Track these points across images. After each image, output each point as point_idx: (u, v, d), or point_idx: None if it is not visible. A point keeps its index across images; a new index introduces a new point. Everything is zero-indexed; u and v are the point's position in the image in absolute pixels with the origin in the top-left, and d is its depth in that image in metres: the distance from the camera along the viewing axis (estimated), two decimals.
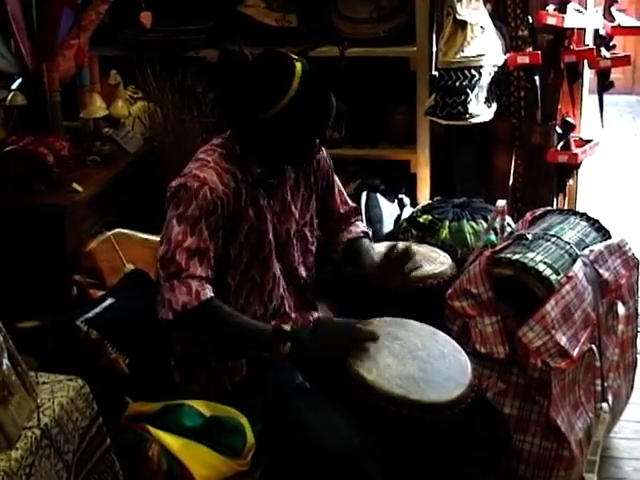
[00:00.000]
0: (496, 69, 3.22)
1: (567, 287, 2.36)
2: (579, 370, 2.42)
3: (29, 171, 2.71)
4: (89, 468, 1.68)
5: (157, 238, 2.14)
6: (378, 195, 3.27)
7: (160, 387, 2.17)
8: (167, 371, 2.23)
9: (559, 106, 3.38)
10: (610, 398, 2.53)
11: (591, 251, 2.53)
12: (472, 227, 3.01)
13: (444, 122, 3.20)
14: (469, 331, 2.40)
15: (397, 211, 3.32)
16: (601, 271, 2.52)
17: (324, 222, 2.43)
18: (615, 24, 3.23)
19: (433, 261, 2.74)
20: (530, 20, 3.25)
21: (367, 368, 2.01)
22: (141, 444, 1.85)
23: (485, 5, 3.19)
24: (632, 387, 2.79)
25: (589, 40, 3.30)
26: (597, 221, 2.74)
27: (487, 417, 2.18)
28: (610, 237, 2.69)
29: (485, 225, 2.94)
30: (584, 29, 3.28)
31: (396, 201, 3.35)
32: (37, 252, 2.64)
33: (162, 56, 3.22)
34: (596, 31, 3.28)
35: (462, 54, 3.09)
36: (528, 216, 2.83)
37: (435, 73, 3.22)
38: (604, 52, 3.26)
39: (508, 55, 3.24)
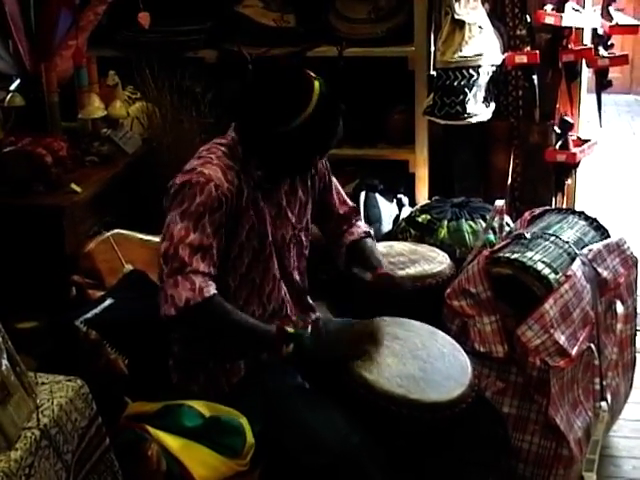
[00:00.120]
0: (494, 68, 3.21)
1: (566, 286, 2.36)
2: (578, 369, 2.42)
3: (27, 172, 2.71)
4: (88, 468, 1.68)
5: (156, 239, 2.13)
6: (377, 195, 3.27)
7: (159, 387, 2.17)
8: (166, 371, 2.23)
9: (557, 105, 3.38)
10: (609, 397, 2.53)
11: (590, 250, 2.53)
12: (471, 226, 3.01)
13: (442, 122, 3.20)
14: (468, 330, 2.40)
15: (396, 211, 3.32)
16: (600, 270, 2.52)
17: (324, 223, 2.43)
18: (613, 23, 3.23)
19: (432, 261, 2.74)
20: (528, 19, 3.25)
21: (368, 368, 2.01)
22: (140, 444, 1.85)
23: (483, 5, 3.19)
24: (631, 386, 2.80)
25: (587, 39, 3.31)
26: (595, 220, 2.75)
27: (486, 416, 2.18)
28: (609, 236, 2.69)
29: (484, 224, 2.94)
30: (582, 28, 3.28)
31: (395, 201, 3.35)
32: (36, 253, 2.63)
33: (160, 56, 3.21)
34: (594, 30, 3.28)
35: (460, 54, 3.09)
36: (527, 215, 2.83)
37: (433, 73, 3.22)
38: (602, 51, 3.27)
39: (506, 54, 3.24)
